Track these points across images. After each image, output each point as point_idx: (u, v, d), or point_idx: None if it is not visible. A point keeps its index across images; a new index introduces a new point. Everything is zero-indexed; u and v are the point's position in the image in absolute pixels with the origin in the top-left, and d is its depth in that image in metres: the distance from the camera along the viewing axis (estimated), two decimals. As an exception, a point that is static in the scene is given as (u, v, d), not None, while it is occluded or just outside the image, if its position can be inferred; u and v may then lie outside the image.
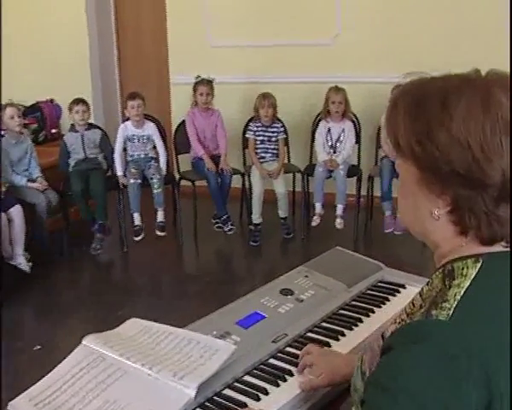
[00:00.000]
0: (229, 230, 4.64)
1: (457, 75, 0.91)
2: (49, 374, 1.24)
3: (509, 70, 0.93)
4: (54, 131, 5.96)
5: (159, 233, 4.55)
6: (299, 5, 5.33)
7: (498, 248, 0.92)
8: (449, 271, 0.92)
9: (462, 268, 0.90)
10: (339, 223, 4.60)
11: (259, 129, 4.79)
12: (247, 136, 4.88)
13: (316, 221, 4.64)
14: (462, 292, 0.87)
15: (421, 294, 0.96)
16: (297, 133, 5.19)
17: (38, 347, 3.18)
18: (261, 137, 4.80)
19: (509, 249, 0.92)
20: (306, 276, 1.78)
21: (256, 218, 4.68)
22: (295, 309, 1.60)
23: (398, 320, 0.96)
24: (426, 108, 0.88)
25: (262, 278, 4.24)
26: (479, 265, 0.90)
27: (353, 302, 1.68)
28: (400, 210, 1.01)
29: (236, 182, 4.95)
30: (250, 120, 4.92)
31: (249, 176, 4.81)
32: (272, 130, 4.81)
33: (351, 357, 1.34)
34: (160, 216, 4.57)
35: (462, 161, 0.85)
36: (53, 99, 6.02)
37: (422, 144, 0.88)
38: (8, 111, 4.36)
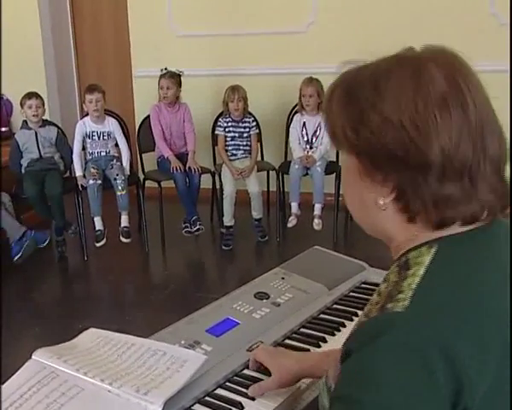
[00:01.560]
0: (197, 230, 4.58)
1: (389, 56, 0.93)
2: (-6, 394, 1.17)
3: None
4: (4, 129, 5.83)
5: (123, 240, 4.47)
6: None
7: (455, 230, 0.91)
8: (404, 262, 0.92)
9: (417, 257, 0.90)
10: (317, 224, 4.58)
11: (230, 124, 4.75)
12: (216, 132, 4.84)
13: (292, 222, 4.62)
14: (418, 280, 0.86)
15: (379, 292, 0.96)
16: (270, 128, 5.16)
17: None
18: (232, 134, 4.76)
19: (466, 229, 0.91)
20: (283, 278, 1.75)
21: (228, 220, 4.63)
22: (271, 314, 1.57)
23: (356, 324, 0.95)
24: (358, 94, 0.90)
25: (235, 285, 4.15)
26: (433, 250, 0.90)
27: (335, 306, 1.66)
28: (349, 207, 1.02)
29: (206, 182, 4.89)
30: (220, 116, 4.87)
31: (220, 175, 4.77)
32: (243, 125, 4.77)
33: (303, 355, 1.36)
34: (125, 221, 4.49)
35: (398, 142, 0.86)
36: (2, 94, 5.88)
37: (356, 130, 0.89)
38: None
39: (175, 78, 4.75)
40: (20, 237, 4.24)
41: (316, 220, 4.59)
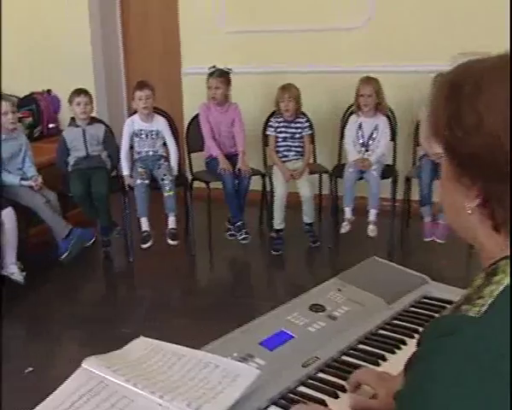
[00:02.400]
0: (244, 238, 4.59)
1: (497, 56, 0.92)
2: (43, 403, 1.19)
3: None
4: (51, 126, 5.98)
5: (170, 242, 4.51)
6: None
7: None
8: (492, 269, 0.92)
9: (506, 265, 0.90)
10: (371, 230, 4.53)
11: (281, 125, 4.75)
12: (267, 133, 4.84)
13: (345, 228, 4.58)
14: (501, 288, 0.87)
15: (462, 296, 0.97)
16: (324, 129, 5.14)
17: (30, 369, 3.16)
18: (283, 134, 4.76)
19: None
20: (340, 290, 1.73)
21: (278, 224, 4.63)
22: (327, 328, 1.55)
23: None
24: (459, 90, 0.90)
25: (284, 292, 4.19)
26: None
27: (395, 321, 1.63)
28: (443, 207, 1.04)
29: (256, 184, 4.90)
30: (271, 115, 4.88)
31: (270, 177, 4.77)
32: (296, 125, 4.76)
33: None
34: (172, 222, 4.53)
35: (488, 148, 0.86)
36: (50, 90, 6.03)
37: (450, 127, 0.90)
38: (2, 106, 4.29)
39: (224, 76, 4.77)
40: (67, 236, 4.33)
41: (370, 226, 4.54)
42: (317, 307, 1.63)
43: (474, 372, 0.80)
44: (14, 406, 2.98)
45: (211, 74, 4.77)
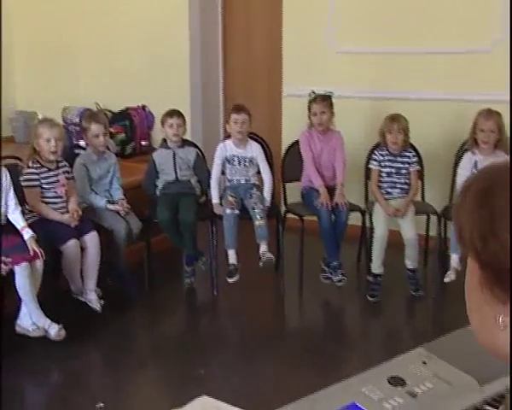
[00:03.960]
0: (339, 281, 4.56)
1: None
2: None
3: None
4: (144, 143, 6.22)
5: (261, 264, 4.48)
6: (445, 0, 5.21)
7: None
8: None
9: None
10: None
11: (386, 158, 4.71)
12: (370, 166, 4.81)
13: (449, 277, 4.45)
14: None
15: None
16: (434, 165, 5.06)
17: (101, 404, 3.26)
18: (388, 169, 4.71)
19: None
20: (425, 362, 1.69)
21: (376, 267, 4.58)
22: (405, 406, 1.52)
23: None
24: (494, 198, 0.90)
25: (378, 345, 4.12)
26: None
27: (486, 407, 1.57)
28: (468, 313, 1.02)
29: (355, 219, 4.87)
30: (375, 147, 4.85)
31: (371, 215, 4.73)
32: (402, 160, 4.71)
33: None
34: (263, 247, 4.52)
35: None
36: (145, 106, 6.27)
37: (485, 239, 0.90)
38: (94, 128, 4.49)
39: (328, 100, 4.79)
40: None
41: (482, 274, 4.38)
42: (396, 380, 1.61)
43: None
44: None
45: (313, 100, 4.79)
